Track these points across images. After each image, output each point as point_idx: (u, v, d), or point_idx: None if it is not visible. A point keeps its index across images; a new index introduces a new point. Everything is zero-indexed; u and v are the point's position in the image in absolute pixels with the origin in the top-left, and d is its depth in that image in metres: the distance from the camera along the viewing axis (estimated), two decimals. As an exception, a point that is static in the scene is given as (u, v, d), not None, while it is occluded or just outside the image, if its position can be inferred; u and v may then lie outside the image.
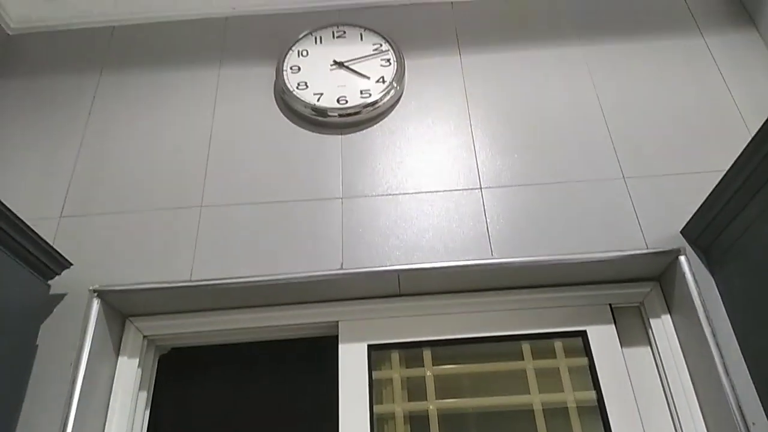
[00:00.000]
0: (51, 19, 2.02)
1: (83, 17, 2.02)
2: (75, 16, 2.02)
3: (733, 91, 1.75)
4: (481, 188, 1.62)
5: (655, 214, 1.54)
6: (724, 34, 1.88)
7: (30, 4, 2.02)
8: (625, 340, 1.54)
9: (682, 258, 1.47)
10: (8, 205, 1.27)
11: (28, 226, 1.29)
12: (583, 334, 1.55)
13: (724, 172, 1.31)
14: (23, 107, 1.84)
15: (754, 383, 1.31)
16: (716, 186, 1.35)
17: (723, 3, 1.96)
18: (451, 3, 2.01)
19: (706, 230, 1.43)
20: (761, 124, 1.17)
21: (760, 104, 1.71)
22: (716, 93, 1.75)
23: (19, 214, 1.29)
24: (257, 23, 2.00)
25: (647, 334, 1.55)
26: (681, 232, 1.51)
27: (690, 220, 1.48)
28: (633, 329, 1.57)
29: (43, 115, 1.82)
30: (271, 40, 1.94)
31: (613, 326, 1.55)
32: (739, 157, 1.26)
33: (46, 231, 1.55)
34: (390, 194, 1.63)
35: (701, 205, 1.42)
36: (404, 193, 1.63)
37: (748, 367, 1.32)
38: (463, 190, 1.62)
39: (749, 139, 1.23)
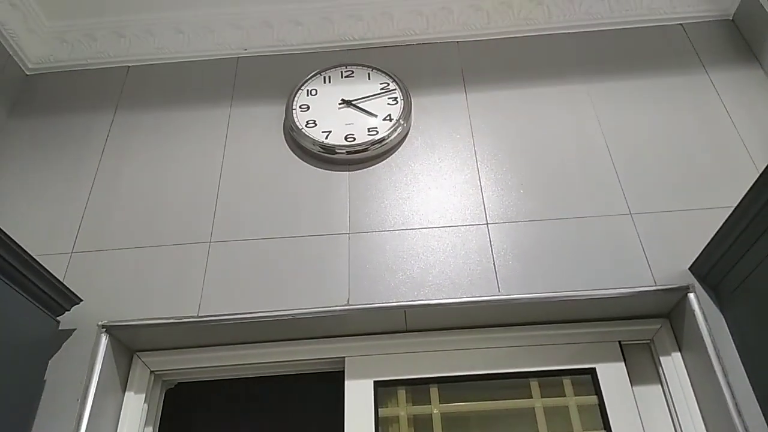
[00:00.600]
0: (67, 60, 2.08)
1: (99, 58, 2.08)
2: (91, 57, 2.08)
3: (738, 127, 1.76)
4: (487, 224, 1.63)
5: (663, 250, 1.54)
6: (728, 71, 1.90)
7: (47, 45, 2.10)
8: (635, 378, 1.52)
9: (691, 295, 1.46)
10: (22, 241, 1.29)
11: (39, 263, 1.31)
12: (592, 372, 1.53)
13: (732, 209, 1.31)
14: (39, 145, 1.89)
15: (767, 423, 1.28)
16: (724, 223, 1.35)
17: (727, 40, 1.98)
18: (457, 42, 2.05)
19: (715, 267, 1.42)
20: None
21: (766, 139, 1.72)
22: (722, 129, 1.76)
23: (31, 250, 1.31)
24: (268, 63, 2.05)
25: (657, 371, 1.53)
26: (689, 269, 1.50)
27: (698, 257, 1.47)
28: (643, 367, 1.55)
29: (58, 153, 1.86)
30: (281, 79, 1.99)
31: (623, 364, 1.53)
32: (747, 193, 1.26)
33: (57, 266, 1.58)
34: (397, 230, 1.64)
35: (709, 242, 1.41)
36: (411, 229, 1.64)
37: (760, 406, 1.30)
38: (469, 225, 1.63)
39: (756, 175, 1.23)
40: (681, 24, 2.03)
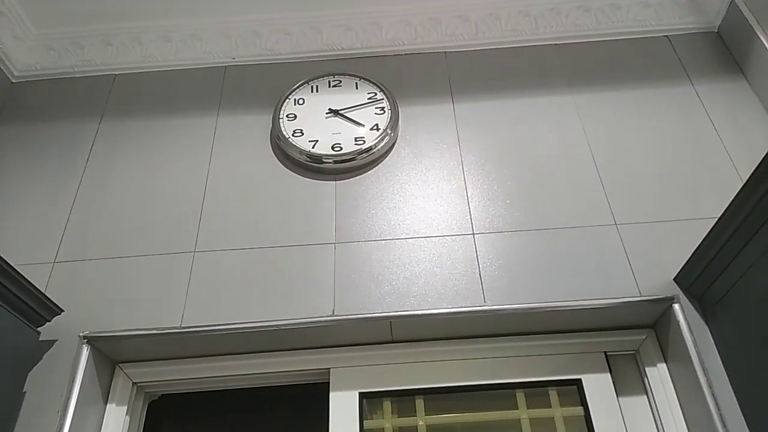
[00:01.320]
0: (54, 68, 2.07)
1: (85, 66, 2.07)
2: (77, 65, 2.07)
3: (723, 138, 1.77)
4: (473, 234, 1.63)
5: (648, 261, 1.54)
6: (713, 83, 1.92)
7: (34, 53, 2.09)
8: (620, 389, 1.52)
9: (676, 306, 1.46)
10: (3, 250, 1.28)
11: (19, 273, 1.29)
12: (578, 383, 1.52)
13: (716, 219, 1.31)
14: (24, 153, 1.87)
15: (751, 434, 1.28)
16: (708, 233, 1.35)
17: (712, 52, 2.00)
18: (445, 53, 2.06)
19: (699, 278, 1.43)
20: (752, 170, 1.18)
21: (751, 151, 1.73)
22: (707, 140, 1.77)
23: (14, 259, 1.30)
24: (255, 72, 2.04)
25: (643, 382, 1.53)
26: (674, 279, 1.50)
27: (683, 267, 1.47)
28: (629, 377, 1.55)
29: (43, 161, 1.85)
30: (269, 88, 1.98)
31: (609, 374, 1.52)
32: (730, 204, 1.26)
33: (39, 276, 1.56)
34: (383, 239, 1.63)
35: (693, 253, 1.41)
36: (397, 239, 1.63)
37: (744, 417, 1.30)
38: (455, 235, 1.63)
39: (740, 185, 1.24)
40: (667, 36, 2.05)
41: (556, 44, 2.05)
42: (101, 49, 2.09)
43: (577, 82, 1.94)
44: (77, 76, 2.07)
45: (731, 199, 1.26)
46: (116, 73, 2.07)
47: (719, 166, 1.71)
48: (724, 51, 2.00)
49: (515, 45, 2.06)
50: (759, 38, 1.84)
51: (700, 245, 1.38)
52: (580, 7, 2.08)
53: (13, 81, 2.06)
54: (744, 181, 1.22)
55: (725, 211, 1.28)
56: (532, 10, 2.09)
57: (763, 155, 1.13)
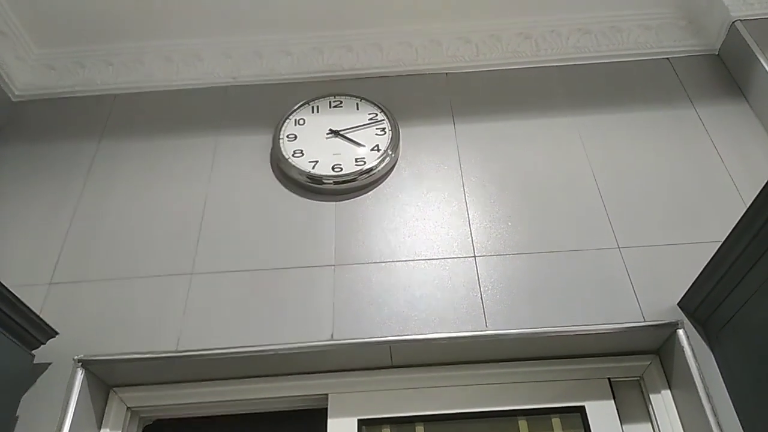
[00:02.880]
0: (54, 87, 2.07)
1: (86, 85, 2.07)
2: (78, 85, 2.07)
3: (725, 161, 1.76)
4: (474, 256, 1.61)
5: (652, 285, 1.52)
6: (714, 105, 1.91)
7: (36, 72, 2.09)
8: (624, 416, 1.48)
9: (680, 331, 1.44)
10: (1, 271, 1.26)
11: (14, 295, 1.27)
12: (581, 410, 1.49)
13: (720, 244, 1.30)
14: (23, 172, 1.86)
15: (759, 465, 1.25)
16: (712, 258, 1.33)
17: (713, 74, 2.00)
18: (446, 74, 2.06)
19: (704, 303, 1.41)
20: (755, 194, 1.16)
21: (753, 173, 1.72)
22: (709, 163, 1.76)
23: (10, 280, 1.28)
24: (256, 93, 2.04)
25: (647, 409, 1.50)
26: (678, 304, 1.48)
27: (687, 292, 1.45)
28: (633, 404, 1.52)
29: (41, 181, 1.84)
30: (269, 109, 1.98)
31: (612, 401, 1.50)
32: (734, 228, 1.25)
33: (34, 298, 1.55)
34: (383, 262, 1.62)
35: (697, 278, 1.39)
36: (397, 261, 1.61)
37: (751, 447, 1.27)
38: (456, 258, 1.61)
39: (744, 209, 1.22)
40: (668, 58, 2.05)
41: (557, 66, 2.05)
42: (102, 69, 2.09)
43: (579, 104, 1.94)
44: (78, 95, 2.07)
45: (735, 223, 1.24)
46: (117, 92, 2.06)
47: (722, 189, 1.70)
48: (725, 73, 2.00)
49: (516, 66, 2.06)
50: (759, 61, 1.84)
51: (704, 270, 1.37)
52: (581, 29, 2.09)
53: (14, 100, 2.06)
54: (747, 205, 1.21)
55: (729, 235, 1.26)
56: (532, 32, 2.09)
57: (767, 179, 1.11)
